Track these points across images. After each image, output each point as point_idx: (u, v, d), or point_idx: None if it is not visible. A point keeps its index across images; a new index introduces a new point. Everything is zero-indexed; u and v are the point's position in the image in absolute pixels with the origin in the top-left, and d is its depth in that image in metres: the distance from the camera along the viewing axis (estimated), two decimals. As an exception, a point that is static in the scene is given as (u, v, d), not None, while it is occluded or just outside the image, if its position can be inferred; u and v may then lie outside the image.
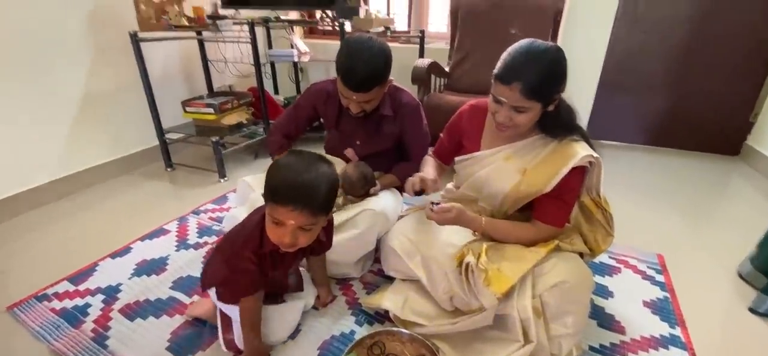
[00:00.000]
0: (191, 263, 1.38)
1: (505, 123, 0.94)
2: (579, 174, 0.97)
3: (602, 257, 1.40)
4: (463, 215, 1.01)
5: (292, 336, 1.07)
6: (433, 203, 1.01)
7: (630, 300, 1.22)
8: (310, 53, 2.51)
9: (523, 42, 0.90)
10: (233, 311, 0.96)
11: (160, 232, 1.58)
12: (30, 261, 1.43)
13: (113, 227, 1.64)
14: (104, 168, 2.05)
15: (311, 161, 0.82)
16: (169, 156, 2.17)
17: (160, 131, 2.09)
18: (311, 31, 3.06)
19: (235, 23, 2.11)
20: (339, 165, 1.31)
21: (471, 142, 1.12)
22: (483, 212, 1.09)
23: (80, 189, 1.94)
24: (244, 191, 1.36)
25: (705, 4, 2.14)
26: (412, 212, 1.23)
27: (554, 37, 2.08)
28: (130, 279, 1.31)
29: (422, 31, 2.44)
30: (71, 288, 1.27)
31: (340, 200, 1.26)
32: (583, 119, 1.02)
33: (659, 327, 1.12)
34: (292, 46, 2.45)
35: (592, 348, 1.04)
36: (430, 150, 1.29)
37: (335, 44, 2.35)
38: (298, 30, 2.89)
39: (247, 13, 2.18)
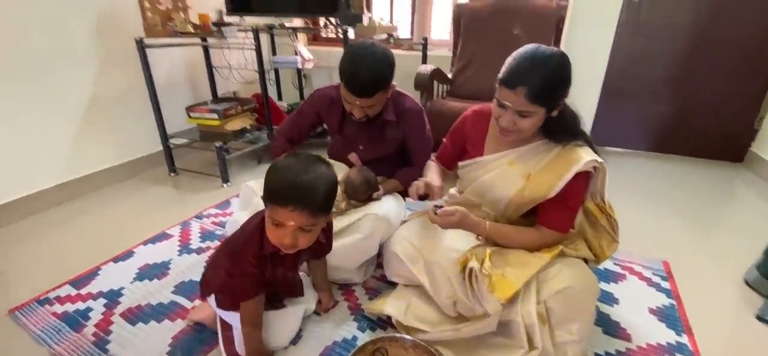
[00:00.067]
0: (193, 268, 1.38)
1: (509, 128, 0.93)
2: (583, 179, 0.97)
3: (607, 264, 1.39)
4: (467, 219, 1.00)
5: (294, 341, 1.06)
6: (436, 206, 1.01)
7: (636, 307, 1.21)
8: (314, 60, 2.53)
9: (528, 47, 0.90)
10: (234, 318, 0.95)
11: (163, 236, 1.58)
12: (33, 265, 1.43)
13: (116, 231, 1.64)
14: (108, 173, 2.06)
15: (310, 162, 0.83)
16: (172, 161, 2.18)
17: (164, 136, 2.11)
18: (315, 38, 3.09)
19: (239, 30, 2.14)
20: (342, 170, 1.31)
21: (474, 147, 1.12)
22: (486, 218, 1.08)
23: (84, 193, 1.95)
24: (247, 195, 1.36)
25: (707, 11, 2.15)
26: (415, 218, 1.23)
27: (557, 43, 2.09)
28: (132, 283, 1.31)
29: (425, 39, 2.46)
30: (73, 291, 1.27)
31: (343, 204, 1.26)
32: (586, 125, 1.02)
33: (666, 335, 1.11)
34: (295, 53, 2.47)
35: (597, 356, 1.03)
36: (433, 155, 1.29)
37: (338, 51, 2.37)
38: (302, 37, 2.92)
39: (251, 20, 2.20)
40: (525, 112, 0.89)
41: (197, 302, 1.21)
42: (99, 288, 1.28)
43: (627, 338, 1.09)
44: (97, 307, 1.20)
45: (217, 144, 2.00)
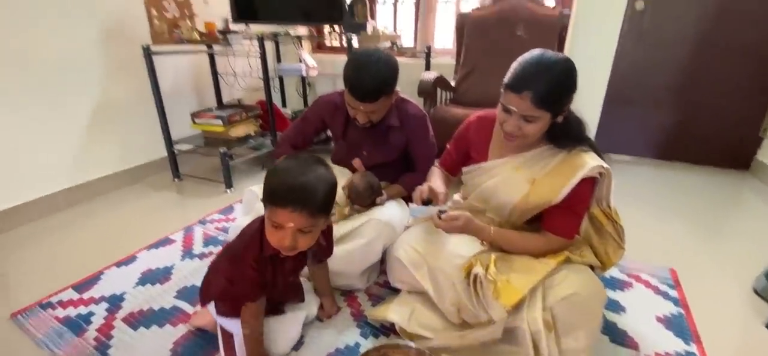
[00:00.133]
0: (196, 273, 1.37)
1: (514, 133, 0.93)
2: (589, 185, 0.96)
3: (613, 272, 1.37)
4: (472, 224, 0.99)
5: (296, 348, 1.05)
6: (440, 211, 1.00)
7: (643, 316, 1.19)
8: (318, 68, 2.55)
9: (534, 52, 0.90)
10: (234, 326, 0.95)
11: (166, 241, 1.58)
12: (36, 269, 1.43)
13: (119, 236, 1.64)
14: (113, 178, 2.07)
15: (309, 163, 0.83)
16: (176, 167, 2.19)
17: (169, 142, 2.12)
18: (319, 46, 3.12)
19: (245, 38, 2.16)
20: (346, 176, 1.31)
21: (478, 153, 1.12)
22: (491, 224, 1.07)
23: (89, 198, 1.96)
24: (251, 200, 1.36)
25: (710, 19, 2.15)
26: (419, 223, 1.22)
27: (560, 51, 2.10)
28: (134, 287, 1.31)
29: (428, 47, 2.48)
30: (75, 296, 1.27)
31: (346, 209, 1.26)
32: (590, 132, 1.02)
33: (674, 343, 1.09)
34: (300, 61, 2.49)
35: (604, 365, 1.01)
36: (437, 161, 1.28)
37: (342, 59, 2.38)
38: (306, 45, 2.95)
39: (257, 29, 2.23)
40: (530, 117, 0.89)
41: (199, 307, 1.21)
42: (101, 293, 1.28)
43: (635, 347, 1.07)
44: (99, 311, 1.20)
45: (222, 150, 2.01)
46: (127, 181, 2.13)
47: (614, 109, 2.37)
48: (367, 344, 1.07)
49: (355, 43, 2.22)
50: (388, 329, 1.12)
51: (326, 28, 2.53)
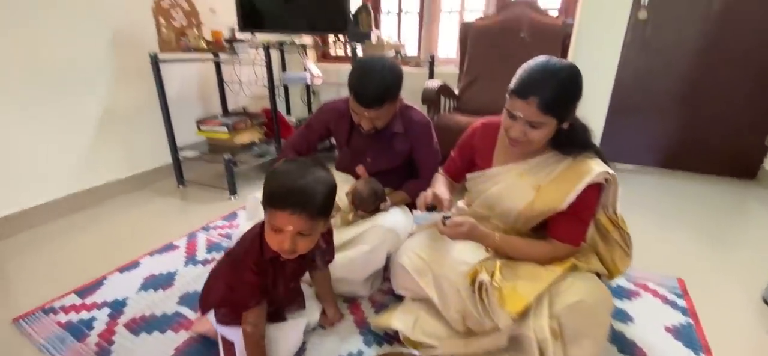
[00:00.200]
0: (199, 279, 1.36)
1: (520, 139, 0.93)
2: (595, 191, 0.95)
3: (620, 281, 1.35)
4: (476, 230, 0.99)
5: (298, 355, 1.04)
6: (444, 217, 0.99)
7: (651, 326, 1.17)
8: (322, 77, 2.57)
9: (540, 58, 0.90)
10: (236, 334, 0.94)
11: (169, 247, 1.58)
12: (40, 273, 1.43)
13: (123, 241, 1.64)
14: (118, 184, 2.08)
15: (308, 166, 0.83)
16: (181, 173, 2.20)
17: (174, 149, 2.13)
18: (324, 55, 3.15)
19: (250, 47, 2.19)
20: (350, 183, 1.31)
21: (483, 159, 1.12)
22: (496, 231, 1.06)
23: (94, 204, 1.96)
24: (254, 207, 1.36)
25: (713, 28, 2.16)
26: (423, 230, 1.21)
27: (563, 61, 2.10)
28: (136, 293, 1.30)
29: (432, 56, 2.49)
30: (78, 301, 1.27)
31: (350, 216, 1.26)
32: (595, 139, 1.01)
33: (683, 354, 1.06)
34: (305, 69, 2.51)
35: (613, 376, 0.99)
36: (441, 168, 1.28)
37: (346, 68, 2.40)
38: (311, 54, 2.98)
39: (262, 37, 2.26)
40: (536, 122, 0.89)
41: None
42: (103, 298, 1.28)
43: (643, 357, 1.05)
44: (101, 317, 1.20)
45: (226, 157, 2.02)
46: (132, 187, 2.14)
47: (618, 118, 2.37)
48: (370, 352, 1.06)
49: (360, 52, 2.24)
50: (391, 337, 1.10)
51: (331, 38, 2.56)
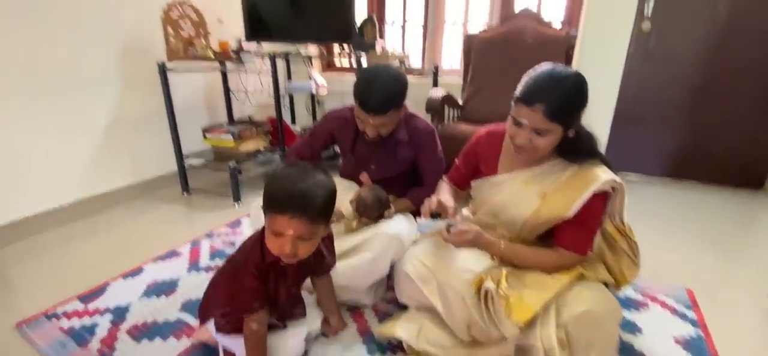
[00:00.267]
0: (202, 286, 1.33)
1: (525, 146, 0.93)
2: (601, 200, 0.94)
3: (628, 292, 1.33)
4: (481, 238, 0.98)
5: (301, 363, 1.02)
6: (449, 225, 0.99)
7: (660, 337, 1.14)
8: (327, 86, 2.59)
9: (545, 66, 0.91)
10: (236, 344, 0.93)
11: (173, 254, 1.58)
12: (44, 279, 1.43)
13: (127, 248, 1.65)
14: (124, 191, 2.09)
15: (308, 170, 0.83)
16: (186, 181, 2.21)
17: (180, 156, 2.15)
18: (329, 65, 3.18)
19: (257, 56, 2.21)
20: (354, 190, 1.31)
21: (488, 167, 1.12)
22: (501, 239, 1.05)
23: (99, 211, 1.97)
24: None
25: (718, 38, 2.16)
26: (427, 238, 1.20)
27: (567, 71, 2.11)
28: (139, 299, 1.30)
29: (436, 66, 2.51)
30: (81, 307, 1.26)
31: (353, 223, 1.25)
32: (601, 147, 1.01)
33: (694, 368, 1.04)
34: (310, 79, 2.54)
35: (622, 388, 0.97)
36: (445, 176, 1.28)
37: (351, 78, 2.43)
38: (316, 64, 3.01)
39: (269, 47, 2.29)
40: (542, 129, 0.89)
41: (204, 320, 1.19)
42: (106, 304, 1.27)
43: (653, 370, 1.03)
44: (104, 323, 1.19)
45: (231, 164, 2.03)
46: (137, 194, 2.16)
47: (623, 128, 2.36)
48: (374, 361, 1.04)
49: (364, 63, 2.26)
50: (395, 346, 1.09)
51: (336, 48, 2.59)
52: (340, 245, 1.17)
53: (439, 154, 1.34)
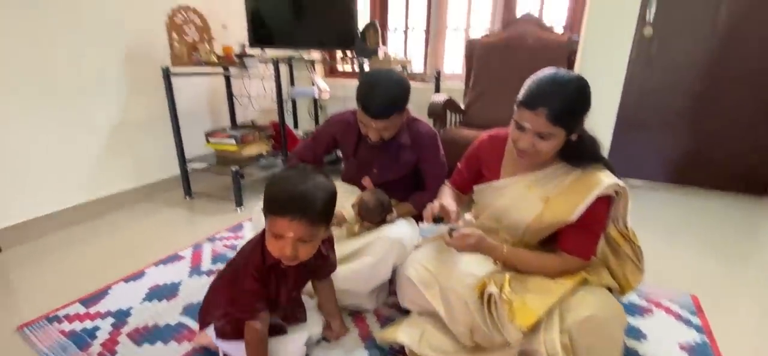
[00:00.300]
0: (203, 290, 1.32)
1: (528, 150, 0.92)
2: (605, 204, 0.94)
3: (632, 298, 1.32)
4: (484, 242, 0.97)
5: (302, 368, 1.02)
6: (451, 229, 0.98)
7: (665, 344, 1.13)
8: (330, 91, 2.61)
9: (548, 70, 0.91)
10: (237, 349, 0.93)
11: (175, 258, 1.57)
12: (46, 282, 1.43)
13: (129, 251, 1.65)
14: (127, 195, 2.10)
15: (308, 172, 0.84)
16: (189, 185, 2.21)
17: (183, 161, 2.16)
18: (331, 70, 3.20)
19: (260, 61, 2.23)
20: (355, 194, 1.31)
21: (490, 171, 1.11)
22: (504, 243, 1.05)
23: (101, 214, 1.98)
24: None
25: (720, 44, 2.16)
26: (429, 242, 1.20)
27: (569, 77, 2.11)
28: (141, 303, 1.30)
29: (438, 72, 2.52)
30: (82, 310, 1.26)
31: (355, 227, 1.25)
32: (604, 152, 1.00)
33: (701, 375, 1.03)
34: (313, 84, 2.55)
35: (627, 395, 0.96)
36: (447, 181, 1.27)
37: (353, 83, 2.43)
38: (319, 69, 3.02)
39: (272, 53, 2.30)
40: (545, 133, 0.88)
41: (205, 324, 1.19)
42: (108, 308, 1.27)
43: (658, 377, 1.01)
44: (105, 326, 1.19)
45: (233, 168, 2.03)
46: (140, 198, 2.16)
47: (626, 133, 2.36)
48: (376, 366, 1.04)
49: (367, 68, 2.27)
50: (397, 351, 1.08)
51: (339, 54, 2.60)
52: (341, 249, 1.17)
53: (442, 158, 1.34)
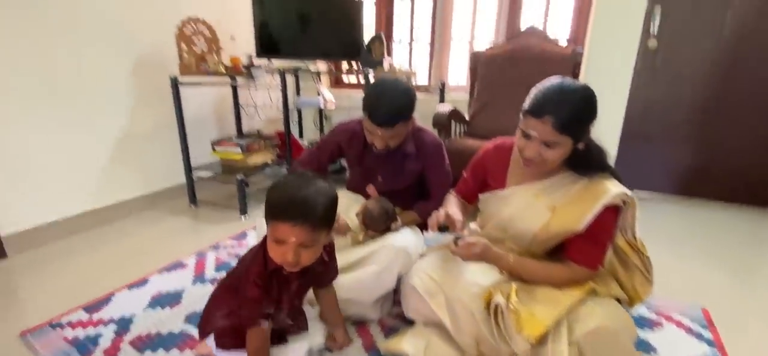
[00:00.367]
0: (206, 298, 1.32)
1: (534, 159, 0.92)
2: (612, 214, 0.93)
3: (642, 311, 1.30)
4: (490, 252, 0.96)
5: (304, 379, 1.00)
6: (457, 238, 0.98)
7: (676, 359, 1.10)
8: (335, 102, 2.63)
9: (554, 79, 0.91)
10: None
11: (178, 265, 1.57)
12: (51, 289, 1.43)
13: (133, 259, 1.65)
14: (132, 203, 2.11)
15: (309, 178, 0.84)
16: (194, 193, 2.23)
17: (189, 169, 2.17)
18: (337, 81, 3.23)
19: (267, 72, 2.26)
20: (360, 203, 1.31)
21: (496, 180, 1.11)
22: (510, 253, 1.04)
23: (108, 221, 1.99)
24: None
25: (724, 56, 2.16)
26: (434, 251, 1.19)
27: (573, 88, 2.11)
28: (144, 310, 1.29)
29: (443, 83, 2.54)
30: (85, 317, 1.26)
31: (360, 235, 1.24)
32: (611, 161, 1.00)
33: (714, 391, 1.00)
34: (318, 95, 2.57)
35: (638, 411, 0.93)
36: (452, 190, 1.27)
37: (358, 94, 2.46)
38: (325, 80, 3.05)
39: (278, 63, 2.33)
40: (551, 142, 0.88)
41: (206, 334, 1.18)
42: (111, 315, 1.27)
43: (670, 392, 0.99)
44: (107, 333, 1.18)
45: (238, 176, 2.04)
46: (145, 205, 2.17)
47: (631, 145, 2.35)
48: (380, 377, 1.02)
49: (372, 79, 2.29)
50: (401, 362, 1.06)
51: (344, 65, 2.63)
52: (346, 258, 1.16)
53: (447, 167, 1.34)
